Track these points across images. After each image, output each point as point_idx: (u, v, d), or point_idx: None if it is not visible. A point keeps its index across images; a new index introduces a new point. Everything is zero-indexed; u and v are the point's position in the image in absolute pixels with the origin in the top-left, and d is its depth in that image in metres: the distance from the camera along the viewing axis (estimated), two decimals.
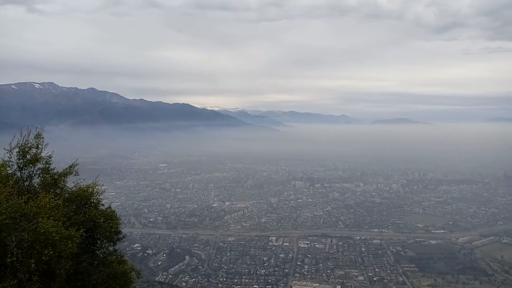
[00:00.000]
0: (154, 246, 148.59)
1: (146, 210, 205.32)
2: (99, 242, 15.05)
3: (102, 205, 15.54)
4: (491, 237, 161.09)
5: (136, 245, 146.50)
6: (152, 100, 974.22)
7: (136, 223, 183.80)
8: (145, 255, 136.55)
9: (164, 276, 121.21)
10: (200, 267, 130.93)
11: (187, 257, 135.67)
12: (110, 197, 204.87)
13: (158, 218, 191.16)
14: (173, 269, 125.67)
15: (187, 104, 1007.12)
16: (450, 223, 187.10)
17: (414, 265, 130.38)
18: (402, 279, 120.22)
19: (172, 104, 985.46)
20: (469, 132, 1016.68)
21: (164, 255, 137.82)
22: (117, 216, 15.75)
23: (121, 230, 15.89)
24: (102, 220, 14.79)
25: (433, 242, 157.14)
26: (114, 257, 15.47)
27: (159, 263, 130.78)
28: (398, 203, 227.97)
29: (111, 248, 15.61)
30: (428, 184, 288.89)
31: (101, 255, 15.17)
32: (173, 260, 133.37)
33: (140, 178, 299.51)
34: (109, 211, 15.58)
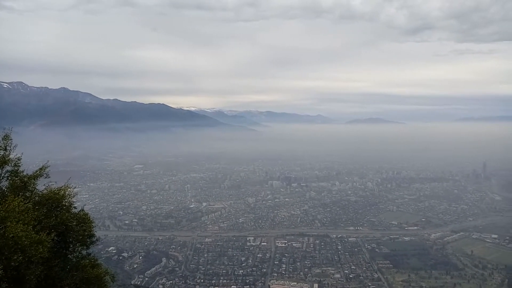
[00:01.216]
0: (130, 249, 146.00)
1: (121, 212, 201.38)
2: (71, 246, 14.68)
3: (75, 208, 15.15)
4: (461, 233, 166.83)
5: (111, 248, 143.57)
6: (127, 100, 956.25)
7: (111, 226, 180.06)
8: (120, 258, 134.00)
9: (140, 279, 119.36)
10: (177, 269, 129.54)
11: (163, 259, 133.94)
12: (83, 199, 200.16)
13: (134, 220, 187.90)
14: (149, 271, 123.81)
15: (163, 104, 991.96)
16: (423, 220, 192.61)
17: (388, 262, 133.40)
18: (377, 275, 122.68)
19: (147, 104, 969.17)
20: (440, 131, 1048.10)
21: (140, 257, 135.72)
22: (90, 219, 15.41)
23: (95, 233, 15.55)
24: (74, 223, 14.41)
25: (406, 238, 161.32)
26: (88, 261, 15.12)
27: (135, 266, 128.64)
28: (373, 201, 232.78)
29: (84, 252, 15.26)
30: (401, 182, 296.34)
31: (74, 259, 14.81)
32: (150, 262, 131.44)
33: (115, 180, 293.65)
34: (82, 214, 15.22)
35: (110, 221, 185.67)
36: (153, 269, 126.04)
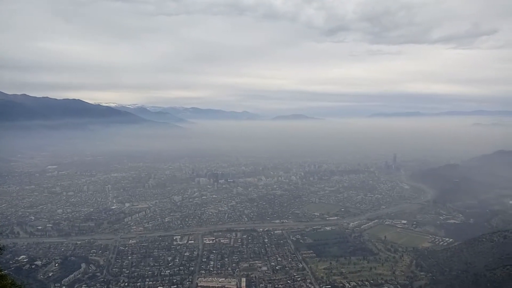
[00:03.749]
0: (44, 256, 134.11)
1: (33, 218, 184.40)
2: None
3: None
4: (376, 220, 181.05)
5: (21, 256, 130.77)
6: (38, 96, 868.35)
7: (21, 232, 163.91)
8: (33, 267, 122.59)
9: None
10: (98, 274, 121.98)
11: (83, 265, 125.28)
12: None
13: (48, 225, 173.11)
14: (67, 279, 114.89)
15: (79, 99, 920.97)
16: (342, 210, 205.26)
17: (312, 251, 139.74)
18: (302, 265, 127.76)
19: (61, 99, 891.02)
20: (356, 126, 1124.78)
21: (56, 265, 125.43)
22: None
23: None
24: None
25: (328, 228, 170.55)
26: None
27: (50, 274, 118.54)
28: (297, 194, 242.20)
29: None
30: (322, 175, 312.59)
31: None
32: (67, 269, 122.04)
33: (25, 182, 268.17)
34: None
35: (20, 228, 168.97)
36: (71, 276, 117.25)
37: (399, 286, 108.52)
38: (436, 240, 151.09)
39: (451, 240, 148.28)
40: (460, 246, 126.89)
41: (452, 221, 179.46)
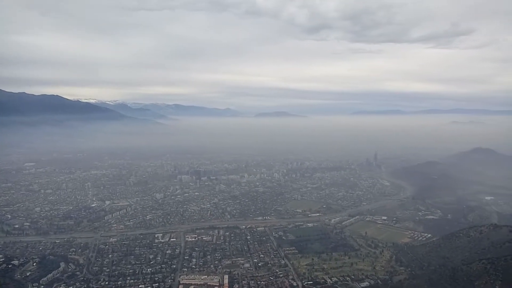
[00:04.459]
0: (21, 256, 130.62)
1: (9, 216, 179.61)
2: None
3: None
4: (357, 217, 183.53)
5: None
6: (13, 91, 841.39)
7: None
8: (9, 266, 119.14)
9: None
10: (78, 273, 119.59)
11: (62, 264, 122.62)
12: None
13: (25, 223, 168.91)
14: (45, 278, 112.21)
15: (57, 95, 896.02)
16: (324, 206, 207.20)
17: (294, 248, 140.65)
18: (284, 261, 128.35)
19: (38, 95, 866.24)
20: (338, 124, 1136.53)
21: (34, 264, 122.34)
22: None
23: None
24: None
25: (310, 225, 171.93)
26: None
27: (28, 274, 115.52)
28: (280, 191, 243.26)
29: None
30: (305, 172, 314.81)
31: None
32: (46, 268, 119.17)
33: (1, 180, 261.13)
34: None
35: None
36: (50, 275, 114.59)
37: (379, 281, 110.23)
38: (415, 235, 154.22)
39: (429, 235, 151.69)
40: (438, 241, 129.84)
41: (430, 217, 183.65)
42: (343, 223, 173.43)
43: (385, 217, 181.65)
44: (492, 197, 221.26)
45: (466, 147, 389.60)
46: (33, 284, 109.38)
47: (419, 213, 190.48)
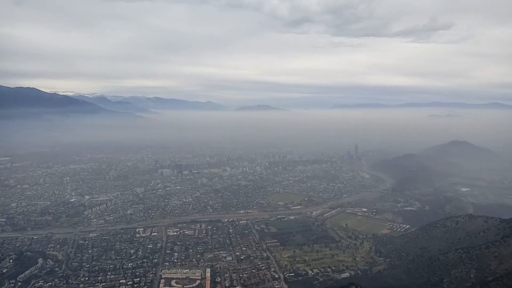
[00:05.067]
0: None
1: None
2: None
3: None
4: (338, 209, 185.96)
5: None
6: None
7: None
8: None
9: (12, 285, 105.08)
10: (57, 269, 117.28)
11: (40, 260, 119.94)
12: None
13: (1, 219, 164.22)
14: (22, 275, 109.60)
15: (33, 88, 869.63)
16: (306, 199, 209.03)
17: (276, 240, 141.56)
18: (266, 254, 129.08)
19: (14, 88, 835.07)
20: (320, 117, 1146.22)
21: (11, 261, 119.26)
22: None
23: None
24: None
25: (292, 217, 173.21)
26: None
27: (4, 271, 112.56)
28: (262, 184, 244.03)
29: None
30: (287, 165, 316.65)
31: None
32: (23, 265, 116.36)
33: None
34: None
35: None
36: (27, 272, 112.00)
37: (359, 272, 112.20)
38: (394, 226, 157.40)
39: (408, 226, 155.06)
40: (416, 232, 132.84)
41: (409, 208, 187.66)
42: (325, 215, 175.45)
43: (365, 209, 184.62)
44: (468, 189, 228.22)
45: (443, 140, 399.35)
46: (10, 281, 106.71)
47: (398, 204, 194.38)
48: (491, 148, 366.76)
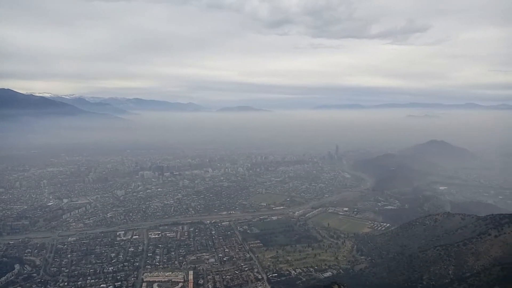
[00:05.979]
0: None
1: None
2: None
3: None
4: (319, 209, 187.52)
5: None
6: None
7: None
8: None
9: None
10: (34, 274, 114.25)
11: (17, 266, 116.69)
12: None
13: None
14: None
15: (8, 89, 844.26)
16: (288, 199, 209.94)
17: (259, 241, 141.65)
18: (249, 255, 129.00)
19: None
20: (301, 118, 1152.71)
21: None
22: None
23: None
24: None
25: (274, 218, 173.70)
26: None
27: None
28: (244, 185, 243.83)
29: None
30: (269, 166, 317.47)
31: None
32: None
33: None
34: None
35: None
36: (3, 278, 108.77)
37: (341, 271, 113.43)
38: (375, 225, 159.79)
39: (388, 225, 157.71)
40: (396, 230, 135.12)
41: (389, 207, 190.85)
42: (307, 215, 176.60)
43: (346, 209, 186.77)
44: (446, 187, 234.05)
45: (421, 140, 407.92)
46: None
47: (379, 203, 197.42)
48: (468, 147, 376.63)
